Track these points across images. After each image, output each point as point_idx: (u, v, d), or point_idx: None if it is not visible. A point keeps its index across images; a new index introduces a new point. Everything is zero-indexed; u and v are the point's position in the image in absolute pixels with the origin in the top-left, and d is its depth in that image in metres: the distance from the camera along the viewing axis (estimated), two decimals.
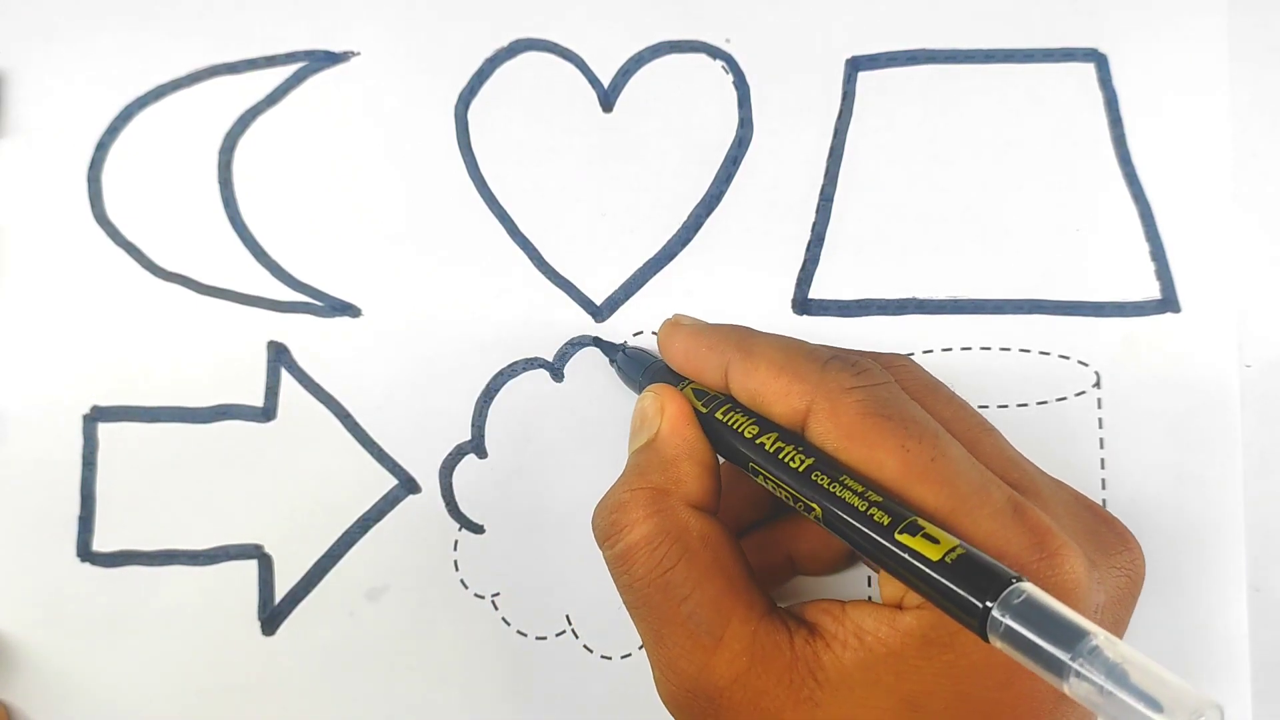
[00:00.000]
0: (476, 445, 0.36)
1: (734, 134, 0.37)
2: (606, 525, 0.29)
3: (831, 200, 0.37)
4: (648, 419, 0.31)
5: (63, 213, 0.37)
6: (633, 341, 0.36)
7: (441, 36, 0.38)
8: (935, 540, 0.24)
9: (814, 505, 0.26)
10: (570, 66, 0.38)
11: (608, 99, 0.37)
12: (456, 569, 0.36)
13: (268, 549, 0.36)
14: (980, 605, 0.22)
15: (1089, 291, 0.36)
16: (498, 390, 0.37)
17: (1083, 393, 0.36)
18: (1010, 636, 0.22)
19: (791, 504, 0.27)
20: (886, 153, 0.37)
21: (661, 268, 0.37)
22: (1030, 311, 0.36)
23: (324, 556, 0.36)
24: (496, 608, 0.36)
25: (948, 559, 0.23)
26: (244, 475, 0.37)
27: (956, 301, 0.37)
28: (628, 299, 0.37)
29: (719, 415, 0.30)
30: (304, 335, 0.37)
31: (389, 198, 0.37)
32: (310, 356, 0.37)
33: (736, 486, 0.32)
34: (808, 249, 0.37)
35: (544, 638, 0.36)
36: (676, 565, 0.28)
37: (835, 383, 0.28)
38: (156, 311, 0.37)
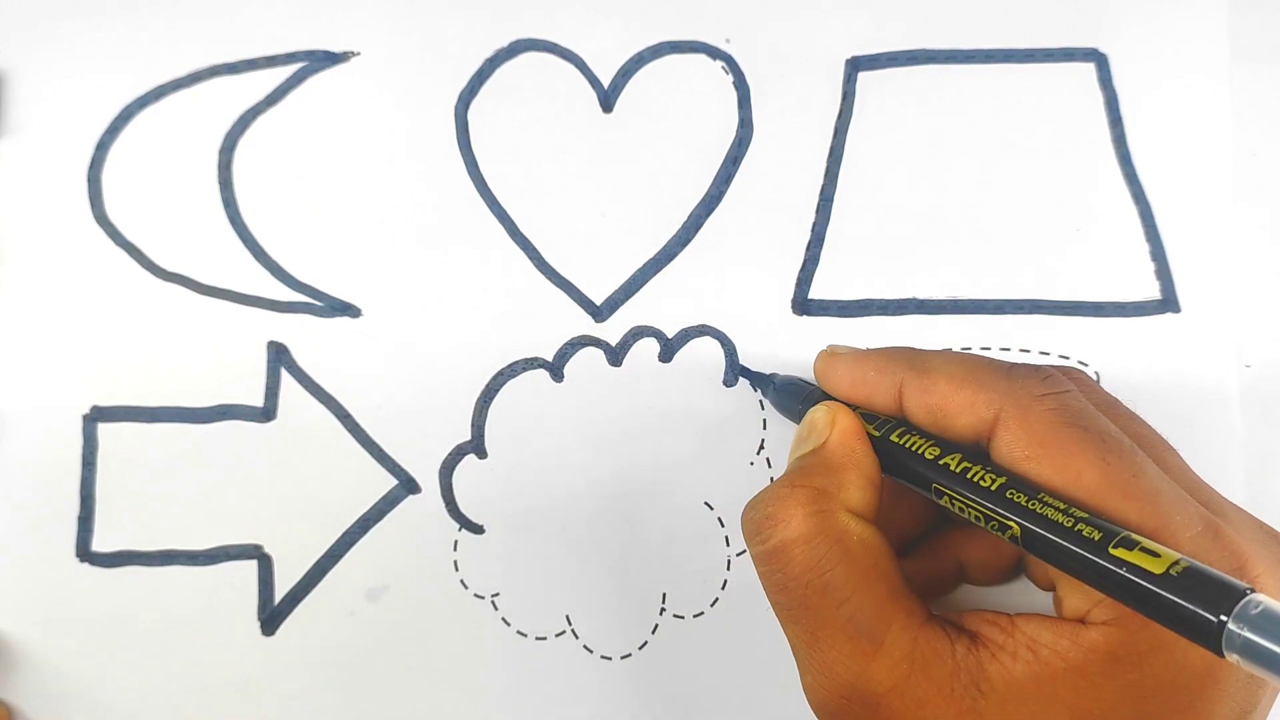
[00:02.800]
0: (476, 445, 0.36)
1: (734, 134, 0.37)
2: (760, 519, 0.28)
3: (831, 200, 0.37)
4: (817, 429, 0.30)
5: (63, 213, 0.37)
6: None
7: (441, 36, 0.38)
8: (1154, 554, 0.23)
9: (1010, 523, 0.26)
10: (570, 66, 0.38)
11: (608, 99, 0.37)
12: (456, 569, 0.36)
13: (268, 549, 0.36)
14: (1214, 619, 0.21)
15: (1089, 291, 0.36)
16: (498, 390, 0.37)
17: None
18: (1249, 650, 0.21)
19: (982, 524, 0.26)
20: (886, 153, 0.37)
21: (661, 268, 0.37)
22: (1030, 311, 0.36)
23: (324, 556, 0.36)
24: (496, 608, 0.36)
25: (1172, 572, 0.22)
26: (244, 475, 0.37)
27: (956, 301, 0.37)
28: (628, 299, 0.37)
29: (894, 438, 0.29)
30: (304, 335, 0.37)
31: (389, 198, 0.37)
32: (310, 356, 0.37)
33: (896, 505, 0.31)
34: (808, 249, 0.37)
35: (544, 638, 0.36)
36: (836, 567, 0.27)
37: (1024, 390, 0.27)
38: (156, 311, 0.37)
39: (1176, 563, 0.23)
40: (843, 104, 0.37)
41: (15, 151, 0.38)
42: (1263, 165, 0.36)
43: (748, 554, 0.36)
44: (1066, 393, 0.27)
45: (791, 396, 0.33)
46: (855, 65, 0.37)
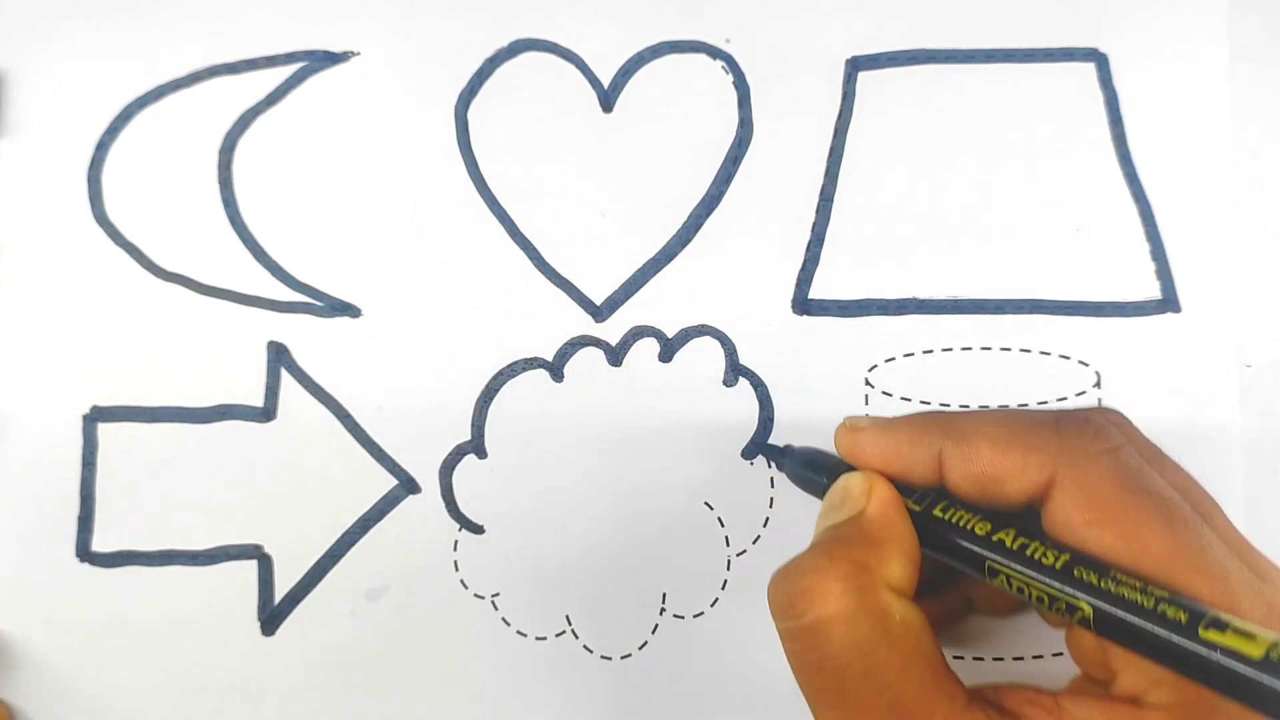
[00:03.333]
0: (476, 445, 0.36)
1: (734, 134, 0.37)
2: (794, 592, 0.25)
3: (831, 200, 0.37)
4: (852, 496, 0.27)
5: (63, 213, 0.37)
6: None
7: (441, 36, 0.38)
8: (1249, 635, 0.21)
9: (1081, 604, 0.24)
10: (570, 66, 0.38)
11: (608, 99, 0.37)
12: (456, 569, 0.36)
13: (268, 549, 0.36)
14: None
15: (1089, 291, 0.36)
16: (498, 390, 0.37)
17: (1083, 393, 0.36)
18: None
19: (1046, 605, 0.25)
20: (886, 153, 0.37)
21: (661, 268, 0.37)
22: (1030, 311, 0.36)
23: (324, 556, 0.36)
24: (496, 608, 0.36)
25: (1273, 656, 0.21)
26: (244, 475, 0.37)
27: (956, 301, 0.37)
28: (628, 299, 0.37)
29: (938, 513, 0.26)
30: (304, 335, 0.37)
31: (389, 198, 0.37)
32: (310, 356, 0.37)
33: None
34: (808, 249, 0.37)
35: (544, 638, 0.36)
36: (879, 649, 0.25)
37: (1078, 448, 0.25)
38: (156, 311, 0.37)
39: (1276, 645, 0.21)
40: (843, 104, 0.37)
41: (15, 151, 0.38)
42: (1263, 165, 0.36)
43: (748, 554, 0.36)
44: (1121, 448, 0.25)
45: (813, 469, 0.30)
46: (855, 65, 0.37)
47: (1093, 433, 0.25)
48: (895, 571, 0.26)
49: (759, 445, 0.35)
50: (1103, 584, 0.23)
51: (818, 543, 0.27)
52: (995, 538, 0.25)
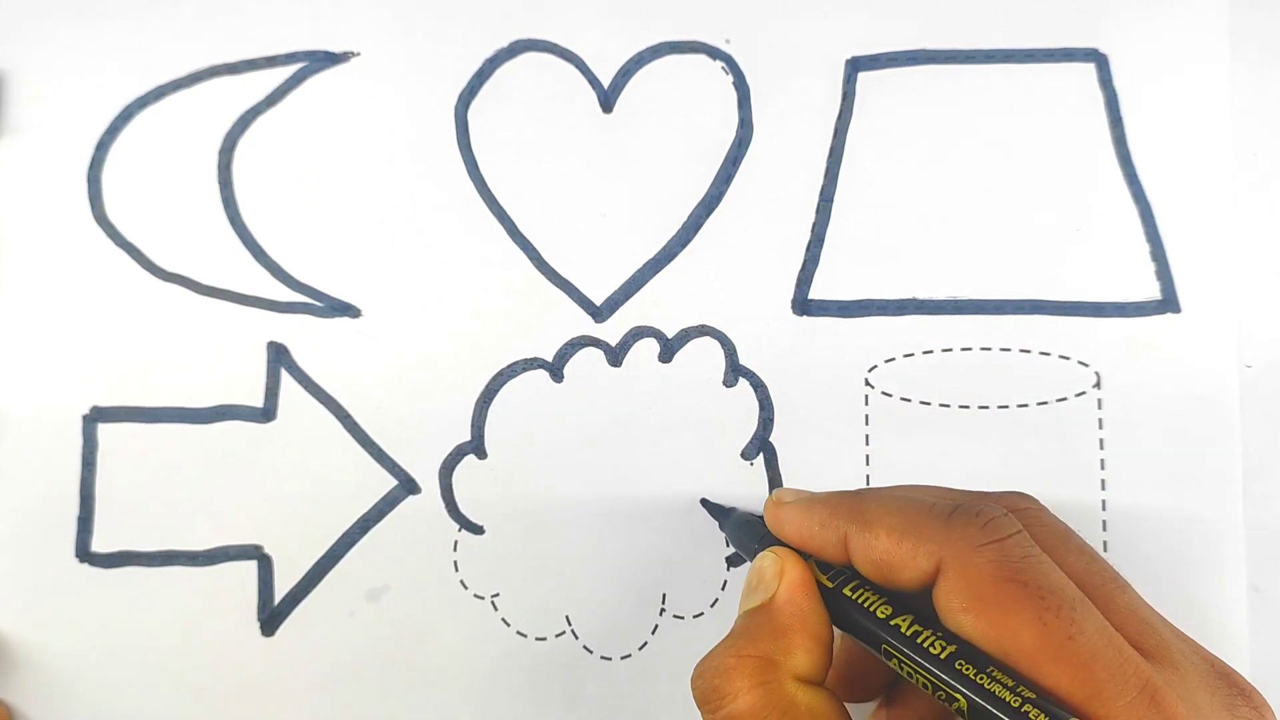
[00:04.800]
0: (476, 445, 0.36)
1: (734, 134, 0.37)
2: (708, 689, 0.27)
3: (831, 200, 0.37)
4: (764, 580, 0.29)
5: (63, 213, 0.37)
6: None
7: (441, 36, 0.38)
8: None
9: (958, 696, 0.25)
10: (570, 67, 0.38)
11: (608, 99, 0.37)
12: (456, 569, 0.36)
13: (268, 549, 0.36)
14: None
15: (1089, 291, 0.36)
16: (498, 390, 0.37)
17: (1083, 393, 0.36)
18: None
19: (930, 691, 0.26)
20: (886, 153, 0.37)
21: (661, 268, 0.37)
22: (1030, 311, 0.36)
23: (324, 557, 0.36)
24: (496, 608, 0.36)
25: None
26: (244, 475, 0.37)
27: (956, 301, 0.37)
28: (628, 299, 0.37)
29: (847, 591, 0.28)
30: (304, 335, 0.37)
31: (389, 198, 0.37)
32: (310, 356, 0.37)
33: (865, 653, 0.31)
34: (808, 249, 0.37)
35: (544, 638, 0.36)
36: None
37: (964, 539, 0.26)
38: (156, 311, 0.37)
39: None
40: (843, 104, 0.37)
41: (15, 151, 0.38)
42: (1263, 165, 0.36)
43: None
44: (1008, 539, 0.26)
45: (748, 535, 0.32)
46: (855, 65, 0.37)
47: (981, 525, 0.26)
48: (801, 661, 0.27)
49: (705, 502, 0.36)
50: (979, 679, 0.24)
51: (731, 635, 0.29)
52: (893, 622, 0.26)
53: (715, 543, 0.36)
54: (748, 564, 0.36)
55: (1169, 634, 0.27)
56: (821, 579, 0.29)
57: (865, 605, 0.27)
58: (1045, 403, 0.36)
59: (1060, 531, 0.29)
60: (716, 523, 0.36)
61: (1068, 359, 0.36)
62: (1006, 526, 0.27)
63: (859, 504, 0.29)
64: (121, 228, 0.37)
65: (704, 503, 0.36)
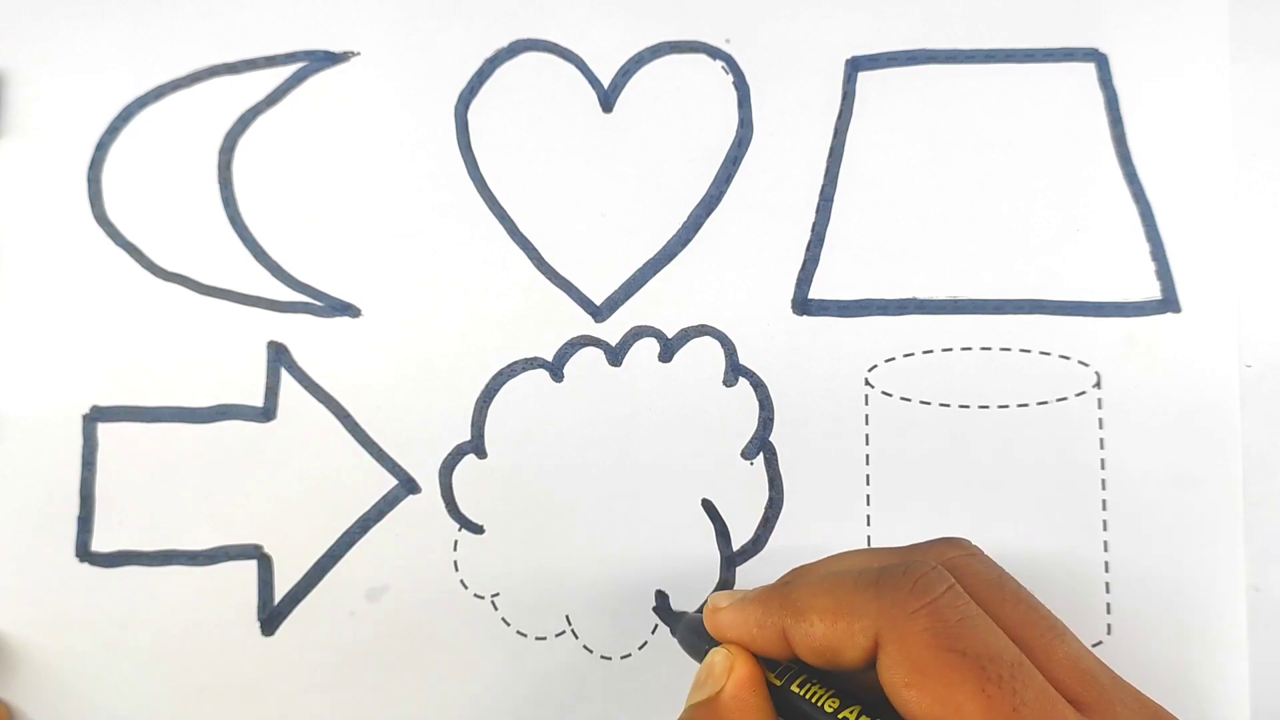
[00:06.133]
0: (476, 445, 0.36)
1: (734, 134, 0.37)
2: None
3: (831, 200, 0.37)
4: (714, 675, 0.29)
5: (63, 213, 0.37)
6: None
7: (441, 36, 0.38)
8: None
9: None
10: (570, 66, 0.38)
11: (608, 99, 0.37)
12: (456, 569, 0.36)
13: (268, 549, 0.36)
14: None
15: (1089, 291, 0.36)
16: (498, 390, 0.37)
17: (1083, 393, 0.36)
18: None
19: None
20: (886, 153, 0.37)
21: (661, 268, 0.37)
22: (1030, 311, 0.36)
23: (324, 556, 0.36)
24: (496, 608, 0.36)
25: None
26: (244, 475, 0.37)
27: (956, 301, 0.37)
28: (628, 299, 0.37)
29: (795, 688, 0.28)
30: (304, 335, 0.37)
31: (389, 198, 0.37)
32: (310, 356, 0.37)
33: None
34: (808, 249, 0.37)
35: (544, 638, 0.36)
36: None
37: (896, 606, 0.26)
38: (156, 311, 0.37)
39: None
40: (843, 104, 0.37)
41: (15, 151, 0.38)
42: (1263, 165, 0.36)
43: (748, 554, 0.36)
44: (941, 599, 0.26)
45: (698, 636, 0.31)
46: (855, 65, 0.37)
47: (910, 586, 0.26)
48: None
49: (658, 607, 0.36)
50: None
51: None
52: (840, 716, 0.26)
53: (715, 543, 0.36)
54: (747, 565, 0.36)
55: (1109, 682, 0.27)
56: (770, 676, 0.28)
57: (813, 700, 0.27)
58: (1045, 403, 0.36)
59: (994, 580, 0.28)
60: (668, 626, 0.35)
61: (1068, 359, 0.36)
62: (937, 583, 0.26)
63: (788, 594, 0.28)
64: (121, 228, 0.37)
65: (657, 609, 0.36)
